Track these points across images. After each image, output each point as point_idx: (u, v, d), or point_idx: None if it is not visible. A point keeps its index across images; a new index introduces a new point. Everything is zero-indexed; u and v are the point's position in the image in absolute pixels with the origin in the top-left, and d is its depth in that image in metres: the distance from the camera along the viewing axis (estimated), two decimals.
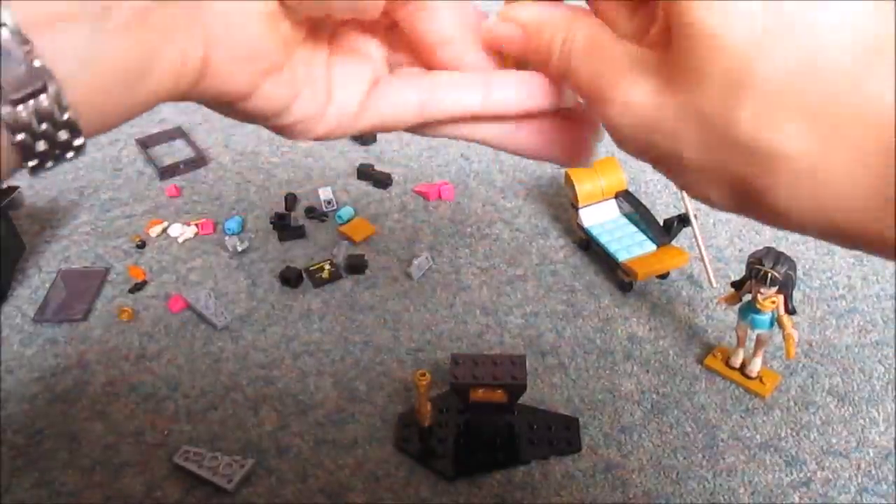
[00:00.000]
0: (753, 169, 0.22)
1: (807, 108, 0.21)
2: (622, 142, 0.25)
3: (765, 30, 0.21)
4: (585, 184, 0.80)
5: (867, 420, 0.65)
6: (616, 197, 0.82)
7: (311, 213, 0.89)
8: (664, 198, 0.90)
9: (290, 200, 0.91)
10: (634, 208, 0.79)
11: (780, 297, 0.63)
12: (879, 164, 0.20)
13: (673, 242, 0.78)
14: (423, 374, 0.61)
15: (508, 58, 0.29)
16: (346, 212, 0.89)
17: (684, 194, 0.73)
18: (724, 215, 0.87)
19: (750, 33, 0.21)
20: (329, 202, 0.90)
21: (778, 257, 0.61)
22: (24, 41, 0.20)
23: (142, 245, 0.86)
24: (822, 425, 0.64)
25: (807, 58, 0.21)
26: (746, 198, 0.23)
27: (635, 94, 0.24)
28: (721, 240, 0.84)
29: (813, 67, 0.21)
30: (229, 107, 0.27)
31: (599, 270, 0.81)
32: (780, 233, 0.85)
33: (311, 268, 0.81)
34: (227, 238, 0.85)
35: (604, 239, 0.78)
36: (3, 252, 0.80)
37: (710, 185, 0.24)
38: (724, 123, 0.22)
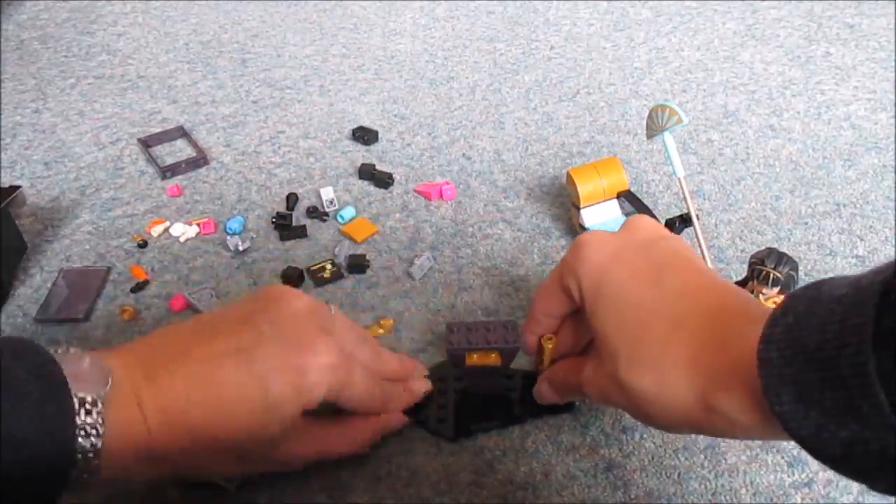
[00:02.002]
0: (634, 398, 0.44)
1: (649, 373, 0.43)
2: (593, 399, 0.52)
3: (620, 328, 0.45)
4: (587, 184, 0.80)
5: None
6: (618, 197, 0.82)
7: (313, 212, 0.89)
8: (666, 198, 0.90)
9: (292, 200, 0.91)
10: (636, 208, 0.79)
11: (782, 298, 0.63)
12: (689, 397, 0.41)
13: None
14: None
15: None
16: (348, 212, 0.89)
17: (686, 194, 0.73)
18: (726, 215, 0.87)
19: (615, 331, 0.46)
20: (331, 202, 0.90)
21: (780, 258, 0.61)
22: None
23: (143, 244, 0.86)
24: None
25: (660, 380, 0.43)
26: (641, 415, 0.45)
27: (586, 374, 0.51)
28: (723, 240, 0.84)
29: (642, 345, 0.44)
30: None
31: None
32: (783, 234, 0.85)
33: (313, 267, 0.81)
34: (228, 238, 0.85)
35: None
36: (5, 251, 0.80)
37: (630, 412, 0.48)
38: (616, 377, 0.45)
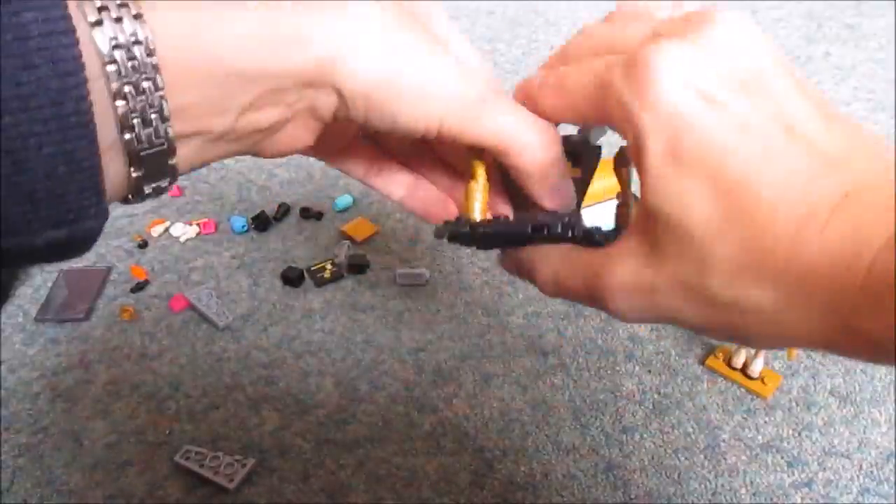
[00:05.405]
0: (734, 318, 0.27)
1: (764, 275, 0.25)
2: (625, 316, 0.30)
3: (718, 217, 0.26)
4: None
5: (869, 421, 0.65)
6: (617, 197, 0.81)
7: (307, 213, 0.89)
8: None
9: (282, 209, 0.90)
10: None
11: None
12: (826, 309, 0.25)
13: None
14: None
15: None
16: (344, 200, 0.89)
17: None
18: None
19: (706, 221, 0.26)
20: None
21: None
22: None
23: (143, 244, 0.86)
24: (823, 426, 0.64)
25: (756, 237, 0.25)
26: (737, 337, 0.29)
27: (624, 274, 0.29)
28: None
29: (761, 242, 0.25)
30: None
31: None
32: None
33: (313, 267, 0.81)
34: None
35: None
36: None
37: (707, 332, 0.29)
38: (702, 289, 0.27)
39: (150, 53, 0.24)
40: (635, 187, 0.31)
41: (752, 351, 0.67)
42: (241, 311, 0.78)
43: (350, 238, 0.86)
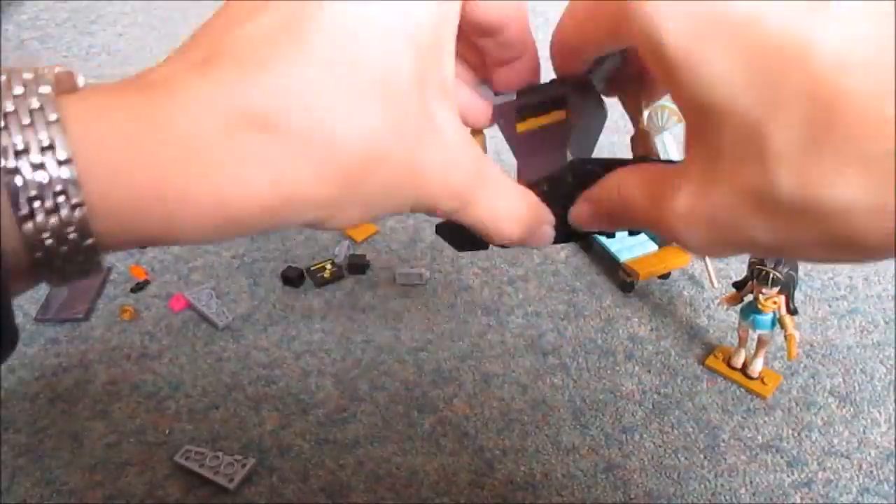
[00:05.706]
0: (823, 226, 0.21)
1: (854, 170, 0.19)
2: (698, 248, 0.25)
3: (768, 91, 0.20)
4: None
5: (868, 421, 0.65)
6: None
7: None
8: None
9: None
10: None
11: (782, 298, 0.63)
12: None
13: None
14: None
15: None
16: None
17: None
18: None
19: (755, 99, 0.20)
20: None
21: (779, 258, 0.61)
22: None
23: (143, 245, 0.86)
24: (823, 426, 0.64)
25: (824, 107, 0.19)
26: (837, 251, 0.22)
27: (681, 202, 0.24)
28: None
29: (832, 115, 0.19)
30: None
31: (601, 270, 0.81)
32: None
33: (313, 267, 0.81)
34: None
35: (605, 239, 0.78)
36: None
37: (800, 251, 0.22)
38: (770, 194, 0.21)
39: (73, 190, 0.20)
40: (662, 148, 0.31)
41: (752, 351, 0.67)
42: (240, 311, 0.78)
43: (350, 238, 0.86)
